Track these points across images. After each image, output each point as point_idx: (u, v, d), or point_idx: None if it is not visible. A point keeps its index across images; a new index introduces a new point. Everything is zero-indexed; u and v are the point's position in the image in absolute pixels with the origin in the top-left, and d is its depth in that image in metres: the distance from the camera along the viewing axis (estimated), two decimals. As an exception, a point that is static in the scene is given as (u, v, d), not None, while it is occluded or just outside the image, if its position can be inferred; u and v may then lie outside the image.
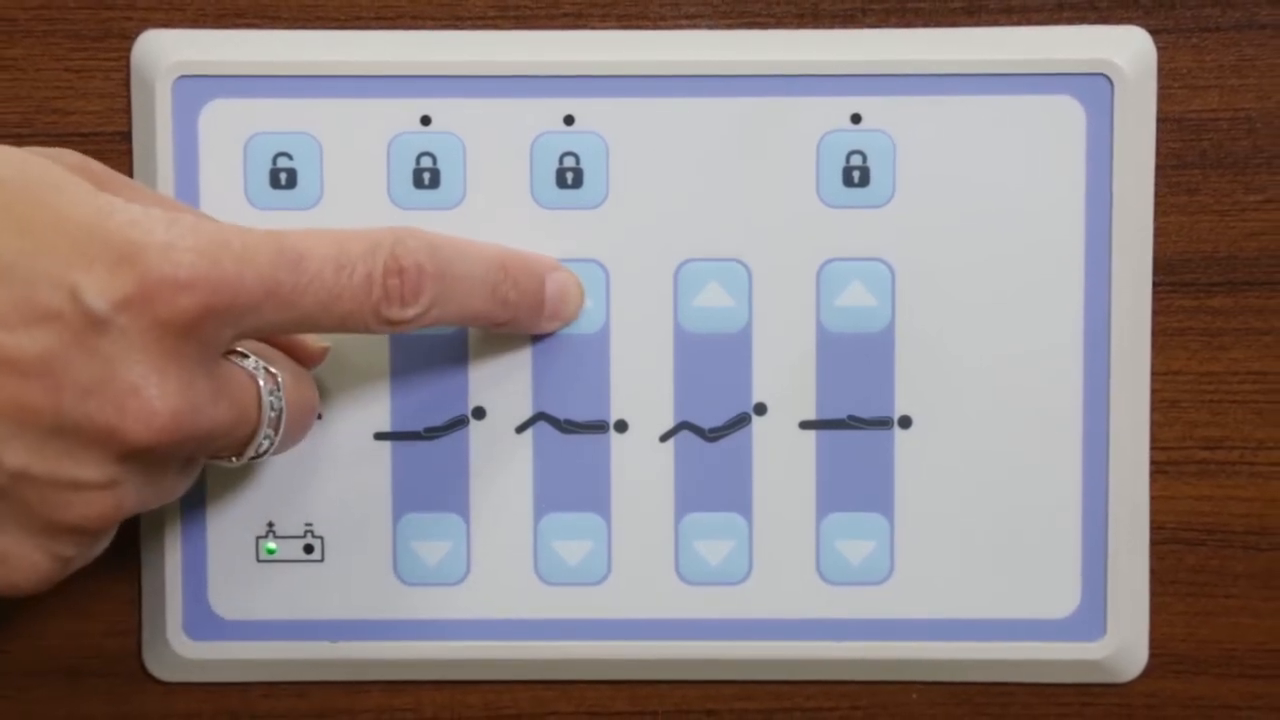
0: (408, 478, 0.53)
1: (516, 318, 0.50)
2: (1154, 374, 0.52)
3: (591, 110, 0.51)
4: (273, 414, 0.46)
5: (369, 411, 0.52)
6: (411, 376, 0.52)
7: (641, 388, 0.52)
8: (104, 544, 0.45)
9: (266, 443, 0.47)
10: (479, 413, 0.52)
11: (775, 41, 0.52)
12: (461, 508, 0.53)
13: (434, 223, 0.51)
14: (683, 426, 0.52)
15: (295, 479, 0.52)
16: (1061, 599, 0.52)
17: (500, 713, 0.54)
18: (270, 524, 0.53)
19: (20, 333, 0.41)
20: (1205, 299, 0.53)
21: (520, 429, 0.52)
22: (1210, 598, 0.53)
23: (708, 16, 0.52)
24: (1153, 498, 0.53)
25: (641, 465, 0.52)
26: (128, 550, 0.53)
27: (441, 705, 0.54)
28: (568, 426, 0.52)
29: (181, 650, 0.53)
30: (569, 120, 0.52)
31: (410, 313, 0.46)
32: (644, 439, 0.52)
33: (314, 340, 0.50)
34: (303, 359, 0.49)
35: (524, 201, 0.52)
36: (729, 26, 0.52)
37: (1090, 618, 0.52)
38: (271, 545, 0.53)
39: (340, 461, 0.52)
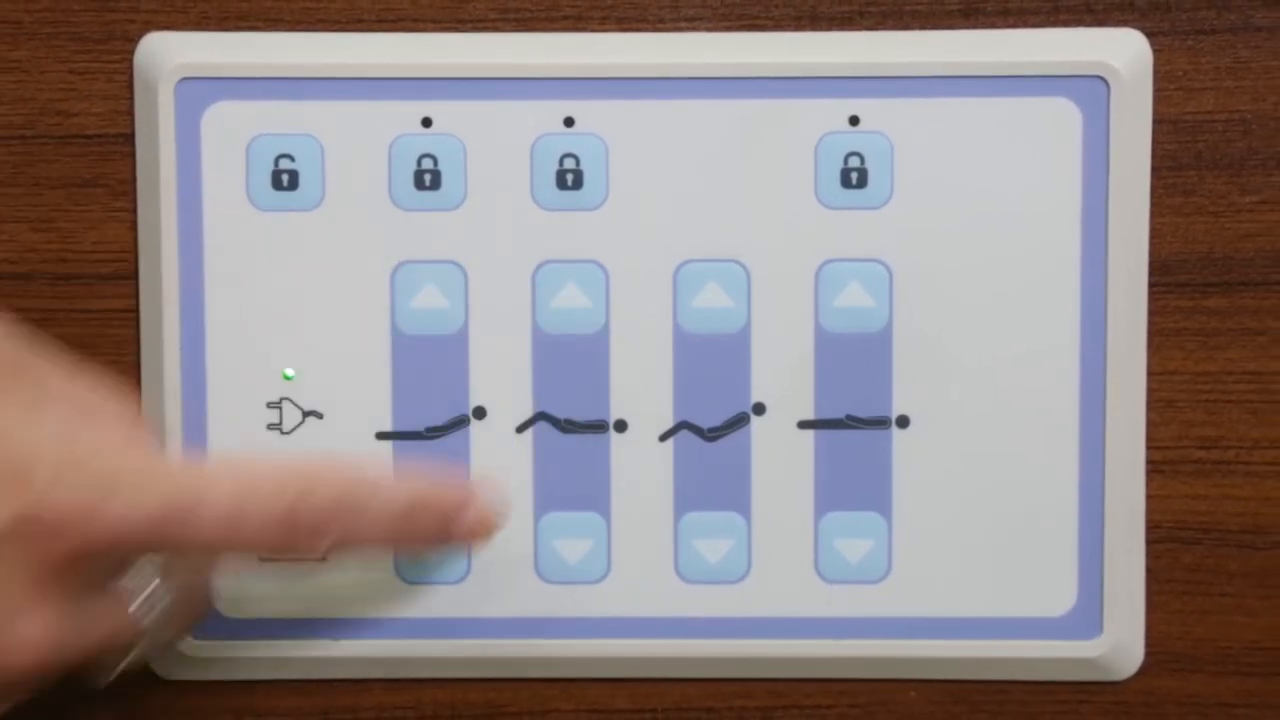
0: (409, 477, 0.53)
1: (421, 552, 0.51)
2: (1150, 374, 0.52)
3: (591, 112, 0.52)
4: (150, 626, 0.47)
5: (370, 411, 0.52)
6: (413, 376, 0.52)
7: (641, 388, 0.52)
8: None
9: (138, 655, 0.47)
10: (480, 412, 0.52)
11: (774, 44, 0.52)
12: (462, 507, 0.53)
13: (435, 223, 0.51)
14: (682, 426, 0.52)
15: (297, 478, 0.53)
16: (1058, 597, 0.53)
17: (501, 710, 0.54)
18: (273, 523, 0.53)
19: None
20: (1201, 299, 0.53)
21: (520, 429, 0.52)
22: (1206, 596, 0.54)
23: (707, 19, 0.52)
24: (1149, 497, 0.53)
25: (641, 465, 0.52)
26: (131, 549, 0.53)
27: (443, 703, 0.54)
28: (568, 426, 0.52)
29: (185, 648, 0.53)
30: (569, 122, 0.52)
31: (306, 555, 0.47)
32: (643, 439, 0.52)
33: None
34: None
35: (524, 203, 0.52)
36: (728, 29, 0.52)
37: (1087, 616, 0.53)
38: (274, 544, 0.53)
39: (342, 461, 0.53)
